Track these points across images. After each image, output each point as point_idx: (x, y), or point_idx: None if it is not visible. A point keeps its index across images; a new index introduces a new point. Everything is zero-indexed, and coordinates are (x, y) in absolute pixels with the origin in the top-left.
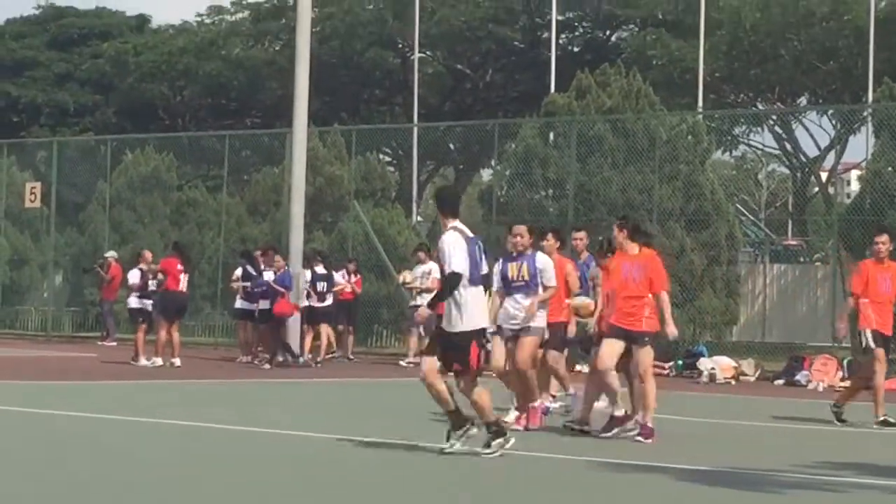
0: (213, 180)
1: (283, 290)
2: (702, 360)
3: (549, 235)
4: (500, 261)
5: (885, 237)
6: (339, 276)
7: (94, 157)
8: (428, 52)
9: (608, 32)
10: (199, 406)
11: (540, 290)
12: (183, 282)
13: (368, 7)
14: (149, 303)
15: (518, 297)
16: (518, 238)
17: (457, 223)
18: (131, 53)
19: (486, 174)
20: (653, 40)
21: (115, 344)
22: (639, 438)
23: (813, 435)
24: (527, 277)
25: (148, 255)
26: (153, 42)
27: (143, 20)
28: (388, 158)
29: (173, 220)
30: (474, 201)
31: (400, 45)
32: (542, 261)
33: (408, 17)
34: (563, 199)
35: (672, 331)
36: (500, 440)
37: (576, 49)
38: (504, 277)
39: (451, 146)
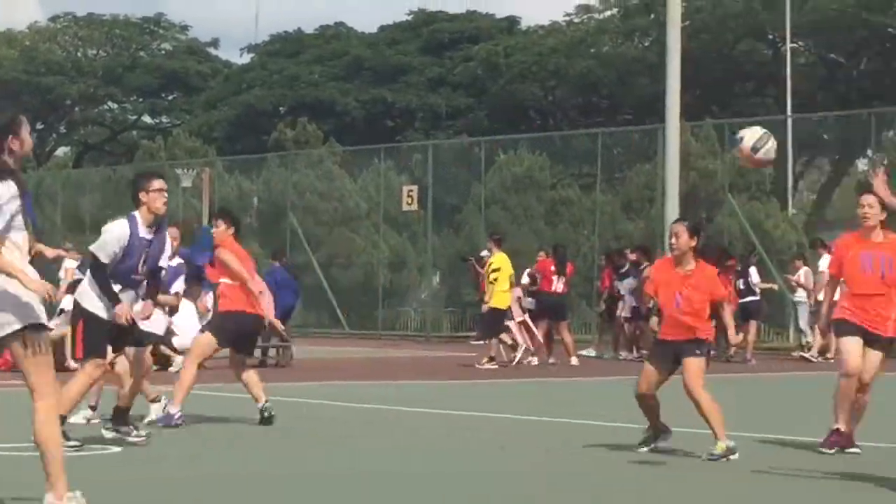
0: (586, 178)
1: None
2: None
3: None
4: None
5: None
6: None
7: (468, 159)
8: (800, 43)
9: None
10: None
11: None
12: (555, 283)
13: None
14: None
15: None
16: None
17: None
18: (502, 55)
19: (861, 164)
20: None
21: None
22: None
23: None
24: None
25: (542, 255)
26: (524, 43)
27: (512, 22)
28: None
29: (548, 220)
30: (852, 192)
31: (771, 37)
32: None
33: (778, 7)
34: None
35: None
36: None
37: None
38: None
39: (826, 137)
